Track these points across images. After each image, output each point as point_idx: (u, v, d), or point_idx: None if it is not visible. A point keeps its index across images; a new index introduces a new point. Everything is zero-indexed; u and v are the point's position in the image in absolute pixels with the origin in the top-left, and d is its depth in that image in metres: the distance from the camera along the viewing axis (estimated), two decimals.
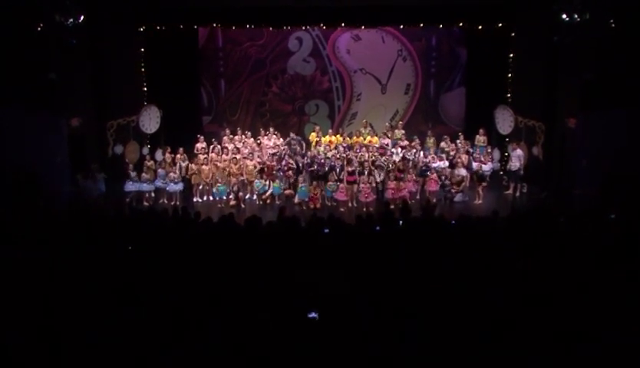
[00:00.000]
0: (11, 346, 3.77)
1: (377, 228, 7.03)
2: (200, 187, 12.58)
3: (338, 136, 14.06)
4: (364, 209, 11.27)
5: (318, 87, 15.76)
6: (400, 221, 7.39)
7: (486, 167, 12.80)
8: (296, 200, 11.86)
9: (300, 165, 12.44)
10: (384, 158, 12.57)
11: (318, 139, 13.97)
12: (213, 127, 15.40)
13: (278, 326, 3.97)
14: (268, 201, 12.06)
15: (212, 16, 14.20)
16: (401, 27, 15.08)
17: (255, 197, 12.38)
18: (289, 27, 15.04)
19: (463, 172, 12.52)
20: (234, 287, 4.67)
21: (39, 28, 11.24)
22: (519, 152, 12.73)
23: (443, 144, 13.71)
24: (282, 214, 8.25)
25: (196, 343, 3.82)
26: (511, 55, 14.17)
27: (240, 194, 12.05)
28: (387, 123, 15.08)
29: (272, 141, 13.92)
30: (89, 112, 13.26)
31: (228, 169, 12.46)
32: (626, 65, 10.67)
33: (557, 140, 12.95)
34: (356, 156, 12.55)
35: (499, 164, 13.95)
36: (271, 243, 6.17)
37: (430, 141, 14.11)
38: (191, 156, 12.97)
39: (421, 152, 13.14)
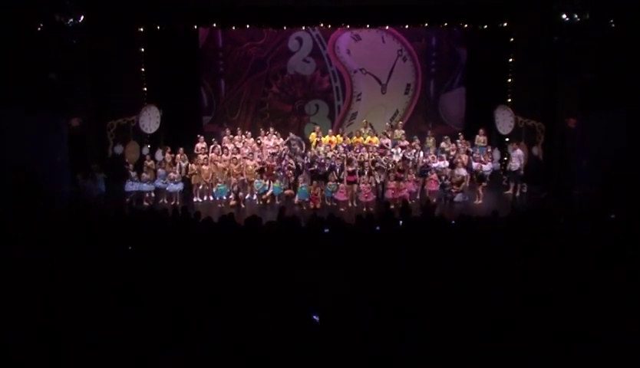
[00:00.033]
0: (11, 346, 3.77)
1: (377, 228, 7.03)
2: (200, 187, 12.58)
3: (338, 136, 14.06)
4: (364, 209, 11.28)
5: (318, 87, 15.76)
6: (400, 221, 7.40)
7: (486, 167, 12.81)
8: (296, 200, 11.86)
9: (300, 165, 12.44)
10: (384, 158, 12.58)
11: (318, 139, 13.97)
12: (213, 127, 15.40)
13: (278, 326, 3.97)
14: (268, 201, 12.06)
15: (212, 16, 14.20)
16: (402, 27, 15.07)
17: (255, 197, 12.38)
18: (289, 28, 15.04)
19: (463, 172, 12.53)
20: (234, 287, 4.67)
21: (39, 28, 11.25)
22: (519, 152, 12.74)
23: (443, 144, 13.72)
24: (282, 214, 8.25)
25: (196, 343, 3.82)
26: (511, 55, 14.18)
27: (240, 194, 12.05)
28: (387, 123, 15.08)
29: (272, 141, 13.92)
30: (89, 112, 13.27)
31: (228, 169, 12.47)
32: (626, 65, 10.67)
33: (557, 140, 12.96)
34: (356, 156, 12.56)
35: (499, 164, 13.95)
36: (271, 243, 6.16)
37: (430, 141, 14.11)
38: (191, 156, 12.97)
39: (421, 152, 13.15)
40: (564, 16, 10.82)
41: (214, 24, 14.68)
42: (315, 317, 4.01)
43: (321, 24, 14.75)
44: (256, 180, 12.23)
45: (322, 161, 12.20)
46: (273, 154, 13.09)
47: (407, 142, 13.59)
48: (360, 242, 6.18)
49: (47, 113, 11.82)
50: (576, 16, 10.65)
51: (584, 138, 11.87)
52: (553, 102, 13.09)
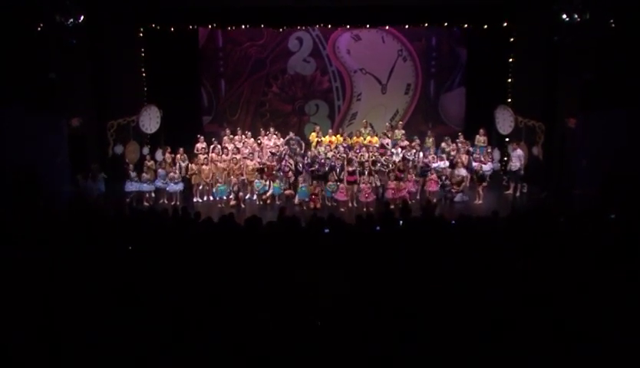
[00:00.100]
0: (11, 346, 3.77)
1: (378, 228, 7.03)
2: (200, 187, 12.58)
3: (338, 136, 14.06)
4: (365, 209, 11.27)
5: (318, 87, 15.76)
6: (401, 221, 7.39)
7: (486, 167, 12.81)
8: (296, 200, 11.86)
9: (300, 165, 12.44)
10: (384, 158, 12.58)
11: (318, 139, 13.96)
12: (213, 127, 15.40)
13: (278, 327, 3.97)
14: (268, 201, 12.06)
15: (212, 16, 14.20)
16: (402, 27, 15.07)
17: (255, 197, 12.38)
18: (289, 28, 15.04)
19: (463, 172, 12.53)
20: (234, 287, 4.67)
21: (39, 28, 11.24)
22: (519, 152, 12.74)
23: (443, 144, 13.72)
24: (282, 214, 8.24)
25: (196, 343, 3.82)
26: (511, 55, 14.17)
27: (240, 194, 12.05)
28: (387, 123, 15.08)
29: (272, 141, 13.92)
30: (89, 112, 13.27)
31: (228, 169, 12.46)
32: (626, 65, 10.67)
33: (557, 140, 12.95)
34: (356, 156, 12.56)
35: (499, 164, 13.95)
36: (271, 243, 6.16)
37: (430, 141, 14.11)
38: (191, 156, 12.97)
39: (421, 153, 13.15)
40: (564, 16, 10.82)
41: (214, 24, 14.68)
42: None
43: (321, 24, 14.75)
44: (256, 180, 12.23)
45: (322, 161, 12.20)
46: (273, 154, 13.09)
47: (407, 143, 13.58)
48: (360, 242, 6.18)
49: (48, 113, 11.81)
50: (576, 16, 10.66)
51: (584, 138, 11.87)
52: (553, 102, 13.09)
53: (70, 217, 8.18)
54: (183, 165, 12.62)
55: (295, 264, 5.29)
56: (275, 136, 14.13)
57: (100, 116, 13.53)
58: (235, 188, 12.02)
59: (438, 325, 3.95)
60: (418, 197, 12.25)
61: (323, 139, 13.88)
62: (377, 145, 13.45)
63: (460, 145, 13.50)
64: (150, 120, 13.67)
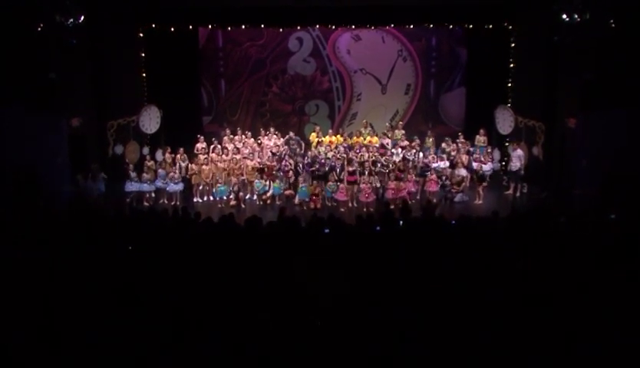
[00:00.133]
0: (11, 346, 3.77)
1: (378, 228, 7.03)
2: (200, 187, 12.58)
3: (338, 136, 14.06)
4: (365, 209, 11.28)
5: (318, 87, 15.76)
6: (401, 222, 7.40)
7: (487, 167, 12.81)
8: (296, 200, 11.86)
9: (300, 165, 12.44)
10: (384, 158, 12.58)
11: (318, 139, 13.96)
12: (213, 127, 15.39)
13: (278, 327, 3.97)
14: (268, 201, 12.06)
15: (212, 16, 14.19)
16: (402, 27, 15.07)
17: (255, 197, 12.38)
18: (289, 28, 15.03)
19: (463, 172, 12.53)
20: (234, 287, 4.67)
21: (39, 28, 11.24)
22: (519, 152, 12.74)
23: (444, 145, 13.72)
24: (282, 214, 8.25)
25: (196, 343, 3.82)
26: (511, 55, 14.17)
27: (240, 194, 12.05)
28: (387, 123, 15.09)
29: (272, 141, 13.92)
30: (89, 112, 13.27)
31: (228, 169, 12.46)
32: (626, 65, 10.68)
33: (557, 140, 12.96)
34: (356, 156, 12.56)
35: (499, 164, 13.95)
36: (271, 243, 6.16)
37: (430, 141, 14.11)
38: (191, 156, 12.97)
39: (421, 153, 13.15)
40: (564, 16, 10.82)
41: (214, 24, 14.68)
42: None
43: (322, 24, 14.75)
44: (256, 180, 12.23)
45: (322, 161, 12.21)
46: (273, 154, 13.09)
47: (407, 143, 13.58)
48: (360, 242, 6.18)
49: (48, 113, 11.81)
50: (576, 16, 10.66)
51: (584, 138, 11.87)
52: (553, 102, 13.09)
53: (70, 217, 8.18)
54: (183, 165, 12.63)
55: (294, 264, 5.29)
56: (275, 136, 14.12)
57: (100, 116, 13.53)
58: (236, 188, 12.02)
59: (438, 325, 3.95)
60: (418, 197, 12.26)
61: (323, 139, 13.88)
62: (377, 145, 13.45)
63: (460, 145, 13.50)
64: (150, 120, 13.67)
